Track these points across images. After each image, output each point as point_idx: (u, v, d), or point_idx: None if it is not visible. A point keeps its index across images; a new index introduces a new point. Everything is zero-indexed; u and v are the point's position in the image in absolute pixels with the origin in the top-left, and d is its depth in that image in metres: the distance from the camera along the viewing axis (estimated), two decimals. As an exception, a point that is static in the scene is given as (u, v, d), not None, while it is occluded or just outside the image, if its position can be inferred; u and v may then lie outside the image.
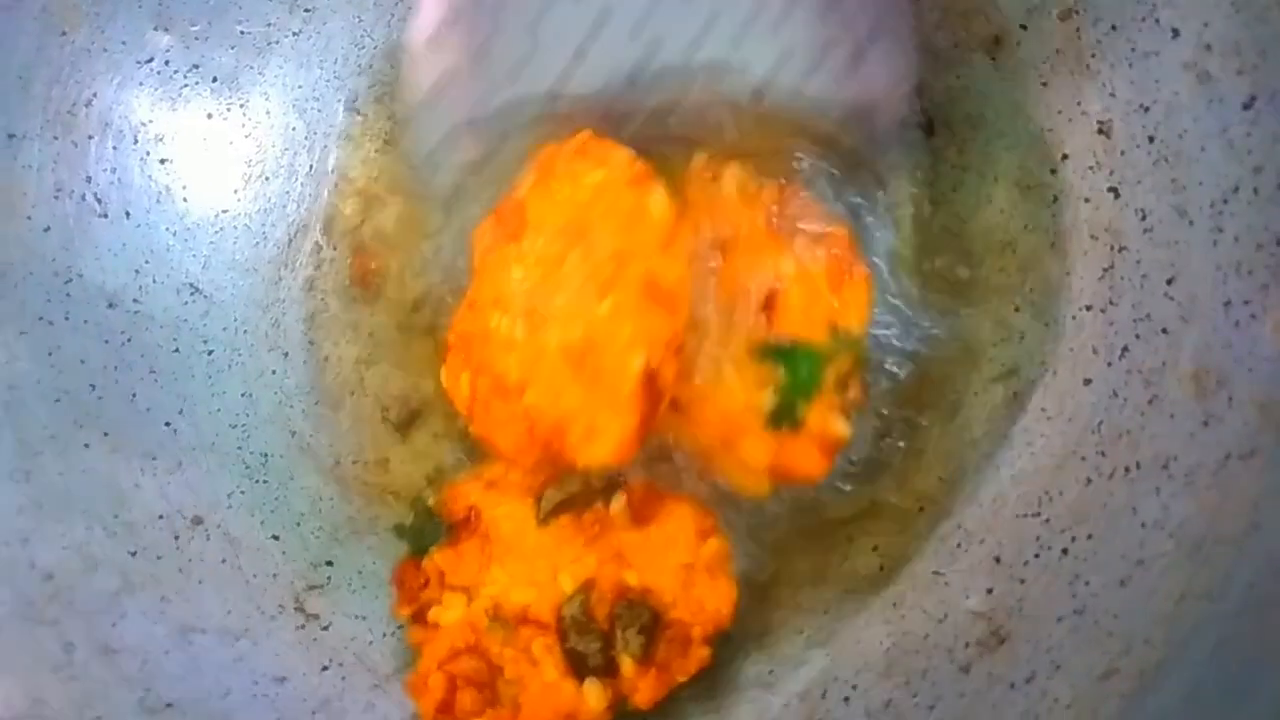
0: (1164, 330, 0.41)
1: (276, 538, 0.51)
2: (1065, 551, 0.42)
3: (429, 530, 0.46)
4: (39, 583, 0.46)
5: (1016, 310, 0.46)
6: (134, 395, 0.51)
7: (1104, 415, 0.42)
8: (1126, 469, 0.41)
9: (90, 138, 0.52)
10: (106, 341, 0.51)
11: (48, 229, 0.51)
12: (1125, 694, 0.36)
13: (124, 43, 0.52)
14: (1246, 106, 0.39)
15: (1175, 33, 0.41)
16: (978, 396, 0.47)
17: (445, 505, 0.46)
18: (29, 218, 0.50)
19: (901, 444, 0.47)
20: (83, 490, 0.48)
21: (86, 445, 0.49)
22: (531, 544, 0.43)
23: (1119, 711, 0.36)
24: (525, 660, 0.42)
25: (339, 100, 0.56)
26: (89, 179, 0.52)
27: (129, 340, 0.52)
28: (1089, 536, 0.41)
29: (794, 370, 0.41)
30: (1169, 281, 0.42)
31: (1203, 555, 0.37)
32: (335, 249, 0.55)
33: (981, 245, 0.47)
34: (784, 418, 0.41)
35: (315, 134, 0.56)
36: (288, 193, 0.56)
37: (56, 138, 0.51)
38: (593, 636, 0.41)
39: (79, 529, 0.48)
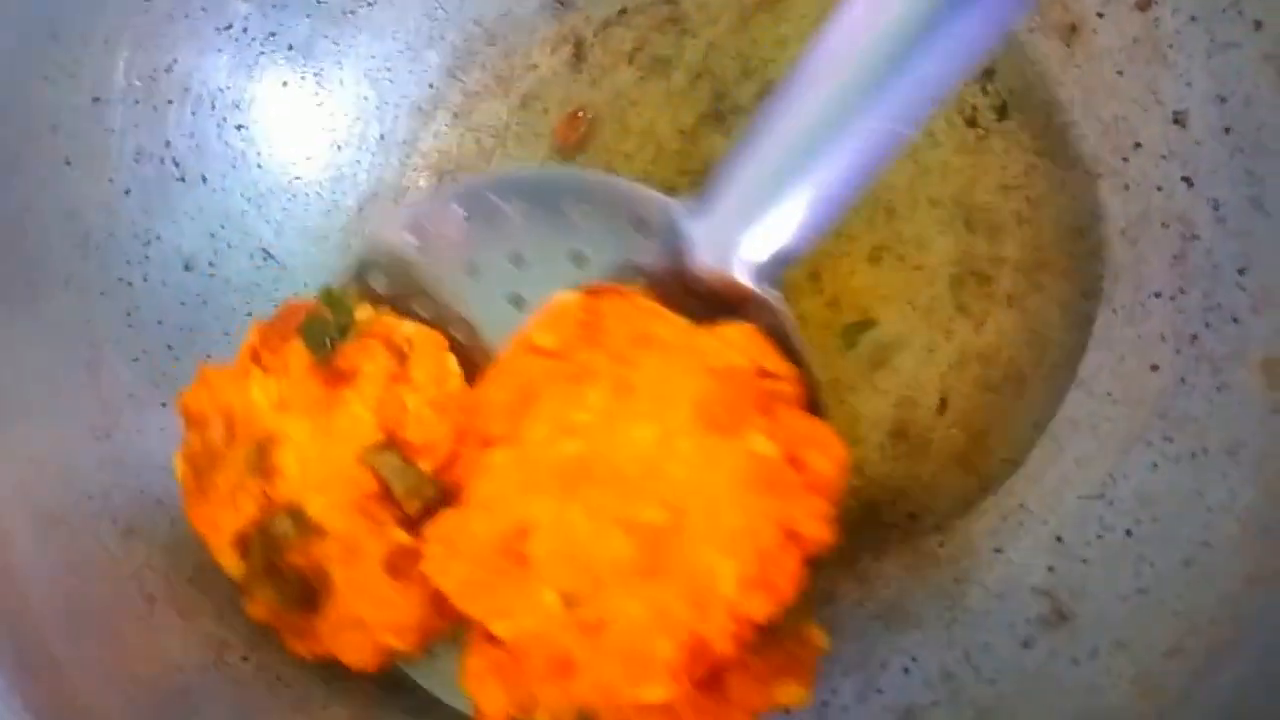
0: (1234, 319, 0.42)
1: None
2: (1129, 533, 0.42)
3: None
4: (120, 537, 0.47)
5: (1085, 297, 0.47)
6: (208, 356, 0.52)
7: (1171, 401, 0.43)
8: (1193, 454, 0.42)
9: (170, 103, 0.53)
10: (183, 303, 0.52)
11: (128, 192, 0.52)
12: (1192, 671, 0.37)
13: (204, 9, 0.53)
14: (1328, 99, 0.39)
15: (1258, 25, 0.42)
16: (1044, 380, 0.47)
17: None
18: (111, 180, 0.51)
19: (962, 425, 0.48)
20: (160, 448, 0.50)
21: (164, 404, 0.50)
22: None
23: (1185, 687, 0.37)
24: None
25: (410, 72, 0.56)
26: (168, 144, 0.53)
27: (204, 303, 0.53)
28: (1154, 519, 0.42)
29: None
30: (1240, 271, 0.42)
31: (1270, 539, 0.38)
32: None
33: (1052, 231, 0.48)
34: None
35: (387, 104, 0.56)
36: (358, 162, 0.56)
37: (138, 102, 0.52)
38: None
39: (157, 486, 0.49)
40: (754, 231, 0.37)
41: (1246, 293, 0.42)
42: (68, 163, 0.50)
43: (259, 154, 0.55)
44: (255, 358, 0.41)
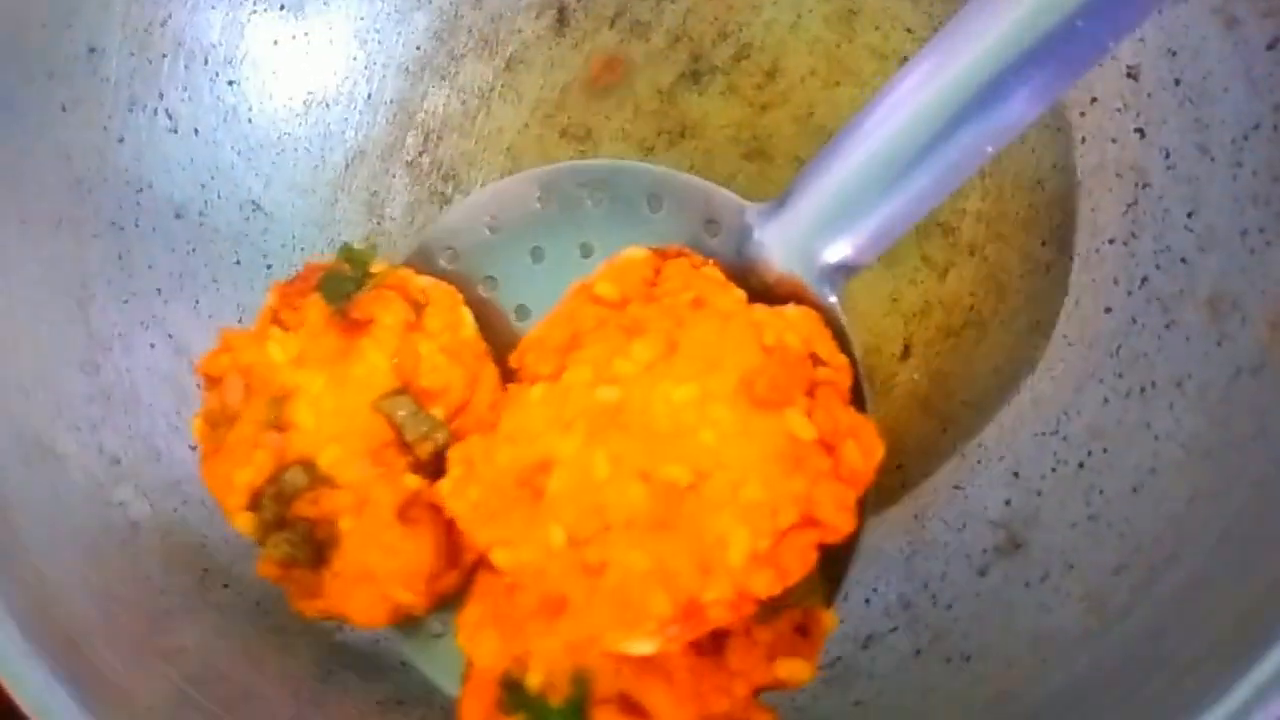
0: (1183, 260, 0.44)
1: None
2: (1081, 465, 0.44)
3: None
4: (106, 466, 0.49)
5: (1043, 244, 0.49)
6: (197, 302, 0.54)
7: (1123, 340, 0.45)
8: (1142, 388, 0.43)
9: (164, 56, 0.54)
10: (173, 250, 0.54)
11: (121, 140, 0.53)
12: (1135, 585, 0.39)
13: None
14: (1270, 47, 0.41)
15: (1205, -21, 0.44)
16: (1004, 326, 0.49)
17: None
18: (105, 128, 0.53)
19: (925, 370, 0.50)
20: (148, 386, 0.51)
21: (152, 345, 0.52)
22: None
23: (1128, 600, 0.39)
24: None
25: (398, 34, 0.58)
26: (161, 95, 0.54)
27: (193, 250, 0.54)
28: (1104, 450, 0.44)
29: None
30: (1189, 215, 0.44)
31: (1212, 461, 0.39)
32: (394, 177, 0.58)
33: (1012, 184, 0.50)
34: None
35: (375, 64, 0.58)
36: (346, 119, 0.58)
37: (133, 54, 0.53)
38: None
39: (143, 421, 0.50)
40: (828, 239, 0.38)
41: (1194, 234, 0.44)
42: (63, 109, 0.51)
43: (250, 109, 0.57)
44: (274, 318, 0.42)
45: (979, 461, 0.47)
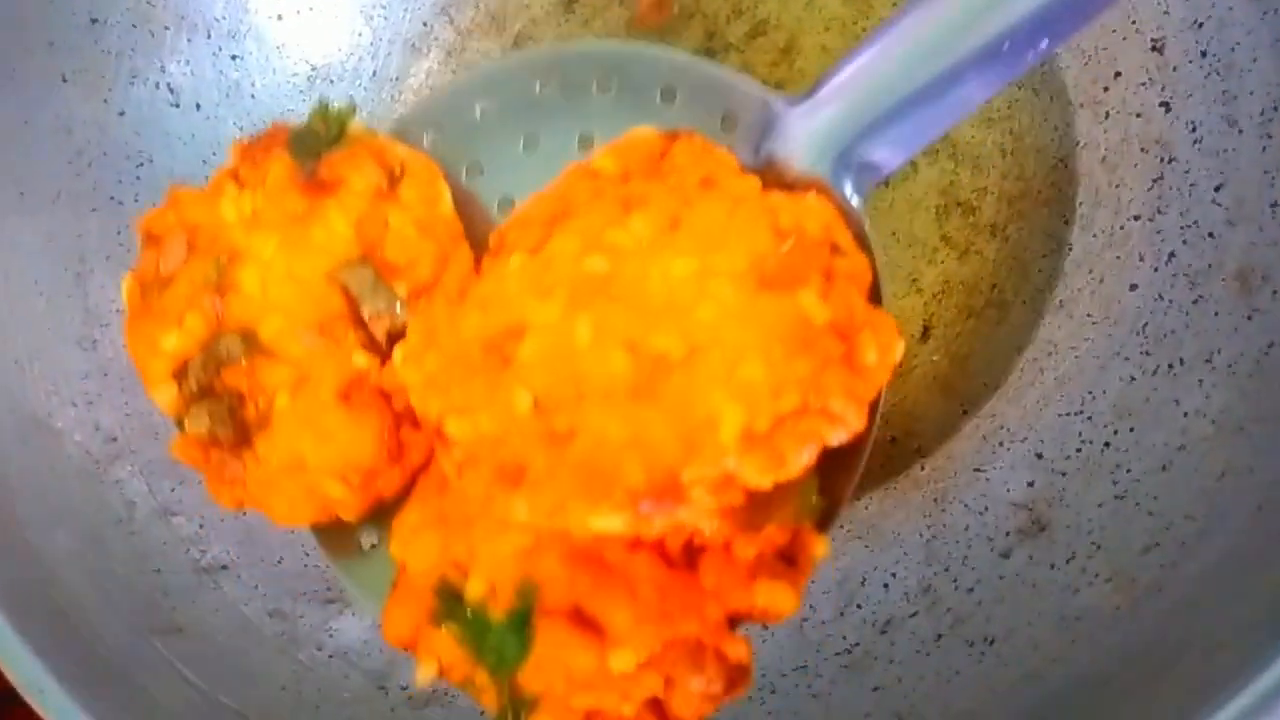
0: (1210, 234, 0.43)
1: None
2: (1107, 445, 0.43)
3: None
4: (103, 443, 0.47)
5: (1066, 223, 0.48)
6: (197, 279, 0.52)
7: (1149, 317, 0.44)
8: (1170, 365, 0.42)
9: (166, 29, 0.53)
10: (173, 226, 0.53)
11: (122, 113, 0.52)
12: (1165, 564, 0.37)
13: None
14: (1300, 15, 0.41)
15: (1232, -52, 0.43)
16: (1026, 305, 0.48)
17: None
18: (105, 101, 0.52)
19: (945, 352, 0.49)
20: (146, 364, 0.50)
21: (151, 322, 0.50)
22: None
23: (1158, 578, 0.37)
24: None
25: (404, 9, 0.57)
26: (163, 69, 0.53)
27: (194, 227, 0.53)
28: (1130, 430, 0.42)
29: None
30: (1217, 189, 0.43)
31: (1244, 435, 0.38)
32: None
33: (1035, 161, 0.49)
34: None
35: (380, 41, 0.57)
36: (350, 96, 0.57)
37: (135, 26, 0.52)
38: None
39: (140, 399, 0.49)
40: (858, 135, 0.35)
41: (1222, 208, 0.43)
42: (64, 79, 0.50)
43: (253, 84, 0.56)
44: (233, 175, 0.38)
45: (1000, 443, 0.46)
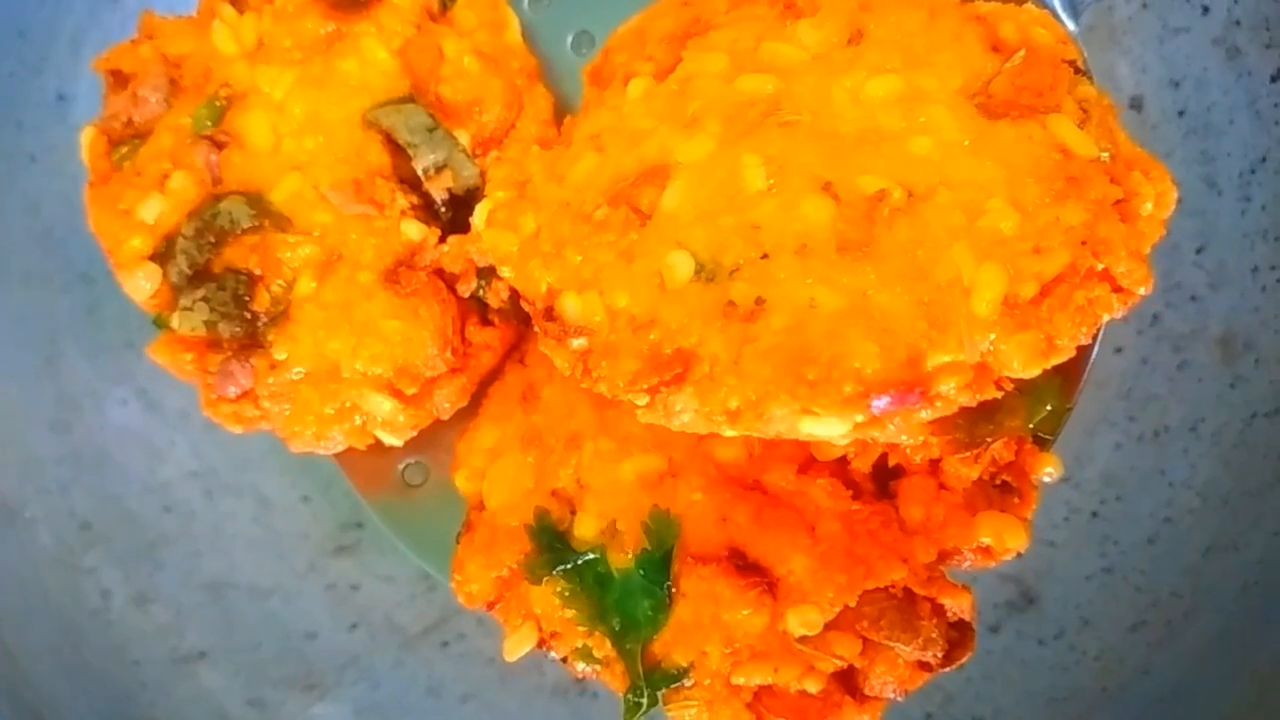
0: (1193, 297, 0.42)
1: (307, 499, 0.51)
2: (1094, 514, 0.42)
3: None
4: (77, 531, 0.47)
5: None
6: (171, 355, 0.52)
7: (1134, 381, 0.43)
8: (1156, 432, 0.42)
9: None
10: (145, 301, 0.52)
11: (92, 189, 0.51)
12: (1153, 643, 0.37)
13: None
14: (1275, 79, 0.40)
15: (1205, 10, 0.42)
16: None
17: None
18: (74, 177, 0.51)
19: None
20: (119, 445, 0.49)
21: (124, 402, 0.50)
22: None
23: (1147, 659, 0.37)
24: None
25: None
26: (133, 141, 0.53)
27: (167, 301, 0.53)
28: (1118, 498, 0.42)
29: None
30: (1198, 250, 0.42)
31: (1229, 509, 0.38)
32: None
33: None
34: None
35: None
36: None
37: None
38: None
39: (115, 482, 0.48)
40: None
41: (1204, 270, 0.42)
42: (32, 159, 0.50)
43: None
44: None
45: (987, 510, 0.46)
